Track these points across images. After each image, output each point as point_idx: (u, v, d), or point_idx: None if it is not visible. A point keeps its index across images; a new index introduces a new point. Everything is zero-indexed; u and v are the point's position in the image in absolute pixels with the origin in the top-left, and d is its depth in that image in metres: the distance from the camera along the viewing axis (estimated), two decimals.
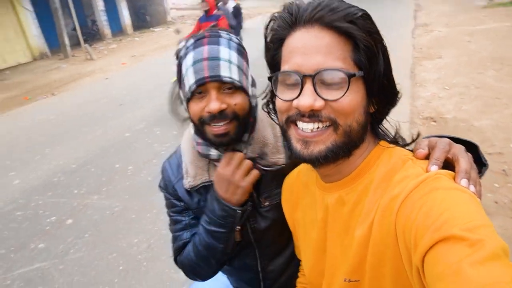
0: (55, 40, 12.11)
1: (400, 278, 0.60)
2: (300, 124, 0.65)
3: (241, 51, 0.93)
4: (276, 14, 0.68)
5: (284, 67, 0.65)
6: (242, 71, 0.90)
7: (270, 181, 0.99)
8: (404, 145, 0.72)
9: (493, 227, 0.50)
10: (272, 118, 0.82)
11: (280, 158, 0.97)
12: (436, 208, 0.53)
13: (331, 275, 0.76)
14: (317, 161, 0.65)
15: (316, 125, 0.63)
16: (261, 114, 0.98)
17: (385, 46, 0.65)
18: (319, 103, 0.61)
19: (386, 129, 0.74)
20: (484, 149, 0.74)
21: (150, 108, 6.07)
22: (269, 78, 0.71)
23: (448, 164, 0.64)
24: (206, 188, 1.01)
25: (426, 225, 0.52)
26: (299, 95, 0.62)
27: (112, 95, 7.24)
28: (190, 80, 0.87)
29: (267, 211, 1.00)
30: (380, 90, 0.65)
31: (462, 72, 6.14)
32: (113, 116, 5.98)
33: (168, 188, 1.08)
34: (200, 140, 0.99)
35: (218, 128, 0.88)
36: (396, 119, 0.76)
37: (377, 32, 0.63)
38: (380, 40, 0.63)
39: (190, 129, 1.05)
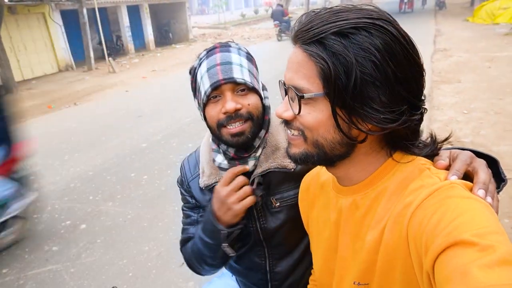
0: (80, 53, 12.64)
1: (410, 285, 0.60)
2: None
3: (250, 58, 1.00)
4: None
5: None
6: (253, 74, 0.97)
7: (281, 183, 1.01)
8: (426, 155, 0.69)
9: (506, 235, 0.50)
10: None
11: (290, 162, 0.99)
12: (449, 215, 0.53)
13: (340, 277, 0.76)
14: (296, 161, 0.70)
15: (290, 131, 0.69)
16: (275, 119, 1.02)
17: (367, 68, 0.57)
18: (287, 114, 0.66)
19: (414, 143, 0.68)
20: None
21: (168, 120, 6.18)
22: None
23: (467, 177, 0.64)
24: (210, 191, 1.05)
25: (437, 230, 0.52)
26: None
27: (131, 107, 7.44)
28: (205, 85, 0.92)
29: (278, 212, 1.03)
30: (359, 111, 0.60)
31: (481, 97, 6.07)
32: (131, 127, 6.13)
33: (184, 184, 1.13)
34: (214, 147, 1.05)
35: (234, 128, 0.93)
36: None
37: (345, 53, 0.57)
38: (349, 61, 0.57)
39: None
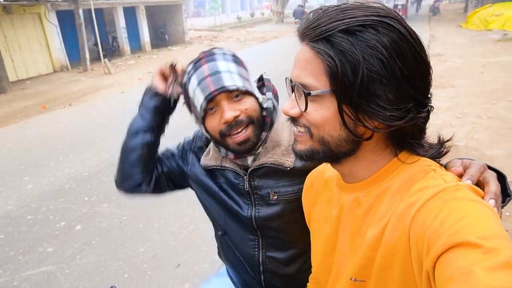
0: (75, 54, 12.58)
1: (407, 284, 0.61)
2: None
3: (237, 61, 1.01)
4: None
5: None
6: (243, 77, 0.98)
7: (280, 177, 1.04)
8: (432, 157, 0.69)
9: (509, 239, 0.50)
10: None
11: (288, 160, 1.01)
12: (454, 216, 0.53)
13: (338, 273, 0.77)
14: (301, 158, 0.70)
15: (296, 128, 0.69)
16: (283, 118, 1.03)
17: (374, 66, 0.57)
18: (294, 111, 0.66)
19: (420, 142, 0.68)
20: None
21: None
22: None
23: (476, 185, 0.64)
24: (213, 172, 1.13)
25: (441, 230, 0.52)
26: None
27: (127, 108, 7.40)
28: (199, 99, 0.94)
29: (274, 204, 1.05)
30: (365, 109, 0.60)
31: (474, 102, 6.15)
32: (126, 128, 6.10)
33: (185, 145, 1.22)
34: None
35: (239, 136, 0.96)
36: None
37: (352, 51, 0.57)
38: (356, 59, 0.57)
39: None
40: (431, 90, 0.64)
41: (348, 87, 0.59)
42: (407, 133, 0.65)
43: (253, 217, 1.07)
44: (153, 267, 2.82)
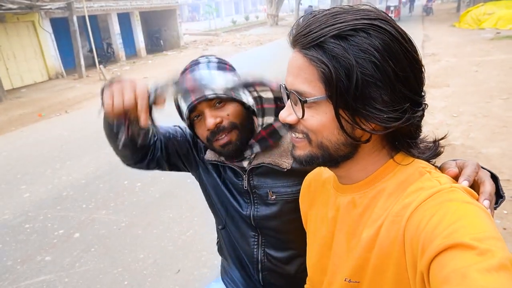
0: (70, 61, 12.54)
1: (401, 285, 0.61)
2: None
3: (222, 67, 1.03)
4: None
5: None
6: (229, 83, 0.99)
7: (278, 178, 1.05)
8: (426, 158, 0.70)
9: (503, 241, 0.51)
10: None
11: (285, 161, 1.03)
12: (449, 218, 0.53)
13: (332, 274, 0.77)
14: (301, 163, 0.70)
15: (294, 134, 0.69)
16: None
17: (367, 69, 0.57)
18: (291, 118, 0.67)
19: (416, 143, 0.69)
20: None
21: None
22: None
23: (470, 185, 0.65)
24: (217, 167, 1.14)
25: (436, 232, 0.53)
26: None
27: None
28: (184, 109, 0.99)
29: (272, 204, 1.07)
30: (362, 112, 0.60)
31: (469, 101, 6.19)
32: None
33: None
34: None
35: (222, 139, 0.99)
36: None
37: (344, 56, 0.57)
38: (349, 64, 0.57)
39: None
40: (424, 89, 0.65)
41: (343, 92, 0.59)
42: (404, 133, 0.66)
43: (251, 216, 1.09)
44: (153, 273, 2.81)
